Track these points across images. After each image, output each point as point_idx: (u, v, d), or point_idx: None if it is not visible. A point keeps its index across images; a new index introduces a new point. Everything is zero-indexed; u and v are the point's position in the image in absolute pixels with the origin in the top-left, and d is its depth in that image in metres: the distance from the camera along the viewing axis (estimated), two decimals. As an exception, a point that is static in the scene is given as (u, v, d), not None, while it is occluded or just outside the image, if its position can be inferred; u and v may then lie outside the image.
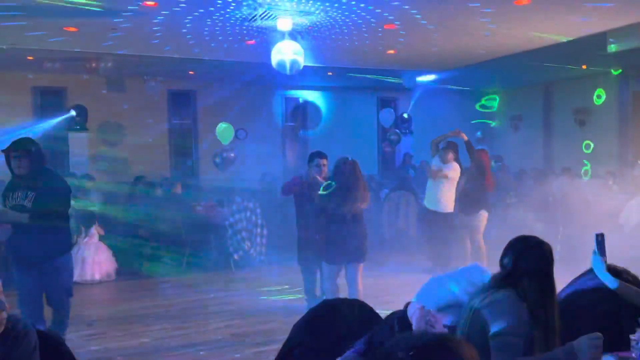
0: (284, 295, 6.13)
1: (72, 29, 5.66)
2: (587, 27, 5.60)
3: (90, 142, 8.93)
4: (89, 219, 7.08)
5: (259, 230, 7.86)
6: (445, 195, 6.37)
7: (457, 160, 6.42)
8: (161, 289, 6.69)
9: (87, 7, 4.76)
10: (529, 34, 5.91)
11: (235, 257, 7.67)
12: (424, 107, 10.61)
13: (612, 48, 5.88)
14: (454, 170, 6.32)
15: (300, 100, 10.62)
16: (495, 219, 6.69)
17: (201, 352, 4.56)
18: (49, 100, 8.80)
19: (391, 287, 6.03)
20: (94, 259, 6.94)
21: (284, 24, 5.31)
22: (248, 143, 9.84)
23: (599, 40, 5.90)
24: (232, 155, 9.42)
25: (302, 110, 10.67)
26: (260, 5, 4.80)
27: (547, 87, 10.33)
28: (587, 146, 8.92)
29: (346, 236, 4.71)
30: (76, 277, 6.10)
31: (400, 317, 2.17)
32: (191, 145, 9.87)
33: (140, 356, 4.52)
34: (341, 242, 4.71)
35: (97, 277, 6.90)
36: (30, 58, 7.28)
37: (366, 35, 5.95)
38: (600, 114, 9.23)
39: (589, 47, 6.21)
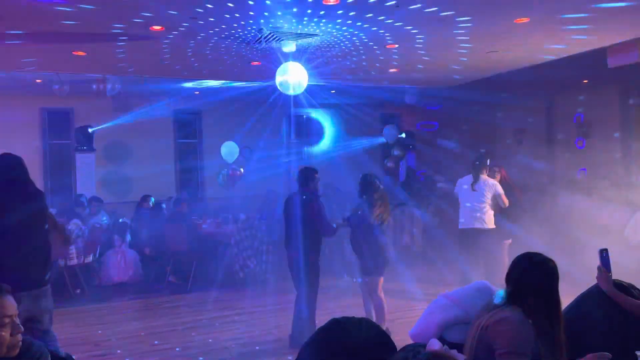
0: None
1: (81, 53, 5.71)
2: (587, 43, 5.64)
3: (98, 162, 8.96)
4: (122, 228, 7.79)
5: (264, 247, 7.87)
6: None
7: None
8: (167, 307, 6.70)
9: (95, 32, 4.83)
10: (530, 50, 5.95)
11: (241, 274, 7.68)
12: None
13: (612, 62, 5.90)
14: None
15: (304, 117, 10.65)
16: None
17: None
18: (56, 120, 8.84)
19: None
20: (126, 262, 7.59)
21: (288, 45, 5.37)
22: (253, 160, 9.86)
23: (599, 55, 5.92)
24: (238, 173, 9.49)
25: (306, 127, 10.70)
26: (265, 28, 4.85)
27: (550, 102, 10.35)
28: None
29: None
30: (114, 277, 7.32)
31: (415, 350, 2.15)
32: (196, 164, 9.89)
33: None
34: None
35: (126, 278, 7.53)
36: (39, 81, 7.35)
37: (368, 54, 6.00)
38: (604, 128, 9.24)
39: (592, 61, 6.22)
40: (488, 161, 6.51)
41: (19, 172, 3.62)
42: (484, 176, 6.33)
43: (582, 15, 4.62)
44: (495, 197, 6.24)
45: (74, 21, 4.50)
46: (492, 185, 6.29)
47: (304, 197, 5.04)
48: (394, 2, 4.32)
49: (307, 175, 5.08)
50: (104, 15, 4.37)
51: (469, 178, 6.49)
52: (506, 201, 6.26)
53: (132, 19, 4.51)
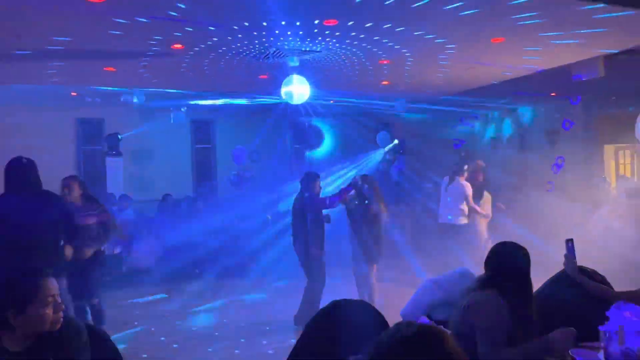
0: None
1: (111, 69, 5.73)
2: (555, 60, 5.65)
3: (125, 166, 8.98)
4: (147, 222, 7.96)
5: (272, 240, 7.86)
6: None
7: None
8: (186, 292, 6.71)
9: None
10: (504, 66, 5.95)
11: (251, 264, 7.68)
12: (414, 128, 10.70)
13: (577, 77, 5.92)
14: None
15: (306, 124, 10.66)
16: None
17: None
18: (88, 129, 8.85)
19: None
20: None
21: (292, 61, 5.37)
22: (261, 164, 9.87)
23: (565, 71, 5.94)
24: (246, 174, 9.53)
25: (307, 134, 10.70)
26: (272, 45, 4.85)
27: (521, 111, 10.37)
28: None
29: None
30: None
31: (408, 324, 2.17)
32: (211, 166, 9.90)
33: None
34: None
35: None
36: (74, 94, 7.36)
37: (363, 68, 6.00)
38: (569, 135, 9.26)
39: (559, 76, 6.23)
40: (465, 166, 6.52)
41: (30, 175, 3.50)
42: (459, 178, 6.36)
43: (551, 33, 4.63)
44: (464, 198, 6.28)
45: (109, 40, 4.52)
46: (462, 187, 6.31)
47: (307, 196, 5.07)
48: (389, 25, 4.34)
49: (310, 178, 5.11)
50: (135, 34, 4.37)
51: (447, 179, 6.55)
52: (472, 203, 6.29)
53: (157, 37, 4.53)
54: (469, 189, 6.32)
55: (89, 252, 4.41)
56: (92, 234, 4.45)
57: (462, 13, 3.94)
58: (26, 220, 3.33)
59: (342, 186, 5.67)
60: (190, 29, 4.28)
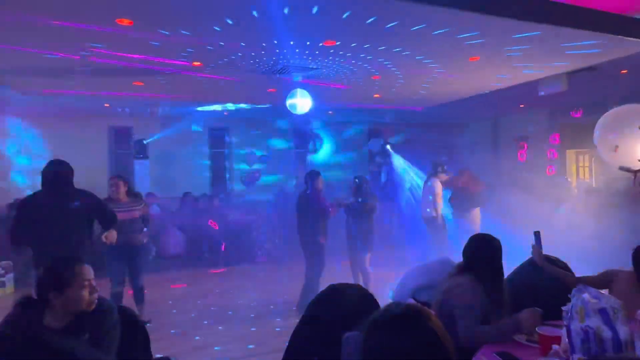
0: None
1: (139, 83, 5.76)
2: (524, 76, 5.66)
3: (151, 167, 9.00)
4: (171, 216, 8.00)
5: (277, 232, 7.88)
6: None
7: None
8: (204, 276, 6.71)
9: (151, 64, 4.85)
10: (480, 81, 5.97)
11: (259, 253, 7.70)
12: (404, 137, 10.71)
13: (542, 92, 5.94)
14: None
15: (308, 131, 10.65)
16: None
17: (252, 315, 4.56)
18: (119, 135, 8.86)
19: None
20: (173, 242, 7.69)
21: (297, 76, 5.40)
22: (268, 165, 9.88)
23: (533, 86, 5.96)
24: (257, 176, 9.53)
25: (309, 139, 10.68)
26: (279, 63, 4.87)
27: (495, 121, 10.38)
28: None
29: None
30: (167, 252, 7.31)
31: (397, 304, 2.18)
32: (225, 168, 9.91)
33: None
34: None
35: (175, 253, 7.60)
36: (107, 105, 7.38)
37: (357, 82, 6.01)
38: (535, 141, 9.27)
39: (527, 90, 6.25)
40: (440, 167, 6.43)
41: (60, 175, 3.42)
42: (433, 178, 6.32)
43: (519, 53, 4.65)
44: (434, 195, 6.23)
45: (140, 56, 4.53)
46: (433, 186, 6.27)
47: (309, 192, 5.07)
48: (383, 48, 4.37)
49: (312, 176, 5.12)
50: (160, 53, 4.39)
51: (426, 179, 6.57)
52: (439, 200, 6.22)
53: (179, 55, 4.53)
54: (438, 188, 6.25)
55: (137, 241, 4.46)
56: (137, 225, 4.49)
57: (457, 36, 3.97)
58: (55, 214, 3.31)
59: (334, 197, 5.67)
60: (211, 48, 4.29)
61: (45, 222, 3.29)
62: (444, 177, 6.42)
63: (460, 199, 6.71)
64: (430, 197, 6.27)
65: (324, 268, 5.02)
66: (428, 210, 6.32)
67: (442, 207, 6.32)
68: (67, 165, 3.46)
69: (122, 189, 4.46)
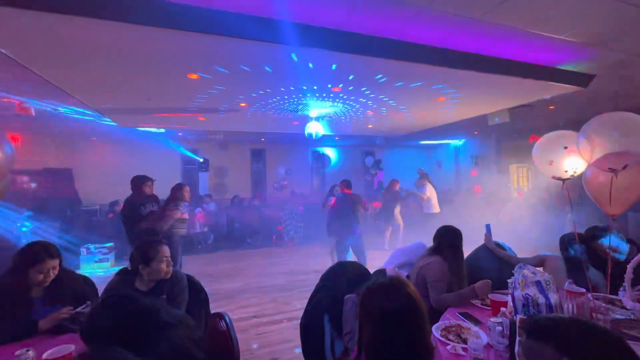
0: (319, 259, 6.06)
1: (203, 119, 5.80)
2: (478, 110, 5.60)
3: (210, 177, 9.08)
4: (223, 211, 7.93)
5: (300, 224, 7.86)
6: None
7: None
8: (246, 256, 6.70)
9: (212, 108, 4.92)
10: (444, 115, 5.93)
11: (286, 238, 7.67)
12: (389, 155, 10.65)
13: (491, 122, 5.86)
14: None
15: (321, 152, 10.68)
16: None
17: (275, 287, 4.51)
18: (188, 158, 8.93)
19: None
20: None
21: (313, 113, 5.41)
22: (292, 176, 9.90)
23: (484, 118, 5.89)
24: (284, 183, 9.55)
25: (322, 158, 10.71)
26: (300, 104, 4.90)
27: (457, 143, 10.26)
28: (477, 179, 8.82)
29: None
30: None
31: (382, 273, 2.17)
32: (262, 178, 9.97)
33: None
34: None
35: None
36: (180, 134, 7.49)
37: (357, 118, 6.01)
38: (487, 158, 9.12)
39: (479, 121, 6.18)
40: (426, 176, 6.44)
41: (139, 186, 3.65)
42: (428, 183, 6.27)
43: (474, 95, 4.60)
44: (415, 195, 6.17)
45: (202, 100, 4.58)
46: (431, 188, 6.22)
47: (339, 194, 5.04)
48: (373, 95, 4.34)
49: (347, 184, 5.07)
50: (218, 98, 4.43)
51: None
52: (424, 197, 6.14)
53: (233, 100, 4.58)
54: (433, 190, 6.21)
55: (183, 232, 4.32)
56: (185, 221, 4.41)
57: (430, 87, 3.95)
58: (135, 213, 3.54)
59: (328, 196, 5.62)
60: (254, 95, 4.34)
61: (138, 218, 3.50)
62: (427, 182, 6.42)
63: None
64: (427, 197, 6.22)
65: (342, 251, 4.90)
66: (432, 209, 6.23)
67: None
68: (144, 177, 3.67)
69: (188, 193, 4.35)
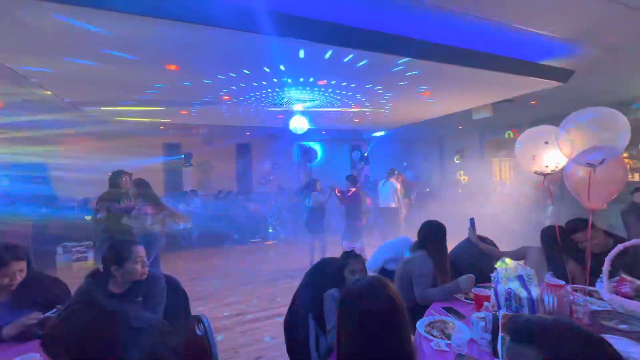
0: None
1: (185, 112, 5.66)
2: (461, 106, 5.63)
3: (193, 173, 8.89)
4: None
5: (284, 218, 7.80)
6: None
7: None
8: (233, 251, 6.60)
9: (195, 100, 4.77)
10: (428, 109, 5.93)
11: (271, 231, 7.60)
12: (375, 150, 10.67)
13: (474, 117, 5.91)
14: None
15: (307, 146, 10.59)
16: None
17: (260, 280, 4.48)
18: (170, 150, 8.75)
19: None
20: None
21: (298, 107, 5.33)
22: (278, 171, 9.80)
23: (467, 113, 5.93)
24: (270, 178, 9.44)
25: (308, 152, 10.62)
26: (285, 98, 4.81)
27: (440, 138, 10.36)
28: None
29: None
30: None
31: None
32: (247, 172, 9.83)
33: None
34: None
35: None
36: (162, 127, 7.27)
37: (342, 111, 5.95)
38: (471, 152, 9.25)
39: (463, 116, 6.22)
40: (396, 172, 6.20)
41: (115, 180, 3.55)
42: (392, 179, 6.05)
43: (457, 90, 4.60)
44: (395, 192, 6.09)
45: (183, 93, 4.43)
46: (394, 184, 6.05)
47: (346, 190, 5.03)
48: (369, 86, 4.27)
49: (352, 180, 5.02)
50: (201, 91, 4.30)
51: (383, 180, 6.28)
52: (399, 196, 6.00)
53: (218, 93, 4.45)
54: (398, 185, 6.05)
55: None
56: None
57: (408, 73, 3.91)
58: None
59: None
60: (234, 88, 4.22)
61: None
62: (399, 178, 6.31)
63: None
64: (391, 193, 6.17)
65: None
66: (392, 203, 6.18)
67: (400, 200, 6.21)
68: (120, 172, 3.57)
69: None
